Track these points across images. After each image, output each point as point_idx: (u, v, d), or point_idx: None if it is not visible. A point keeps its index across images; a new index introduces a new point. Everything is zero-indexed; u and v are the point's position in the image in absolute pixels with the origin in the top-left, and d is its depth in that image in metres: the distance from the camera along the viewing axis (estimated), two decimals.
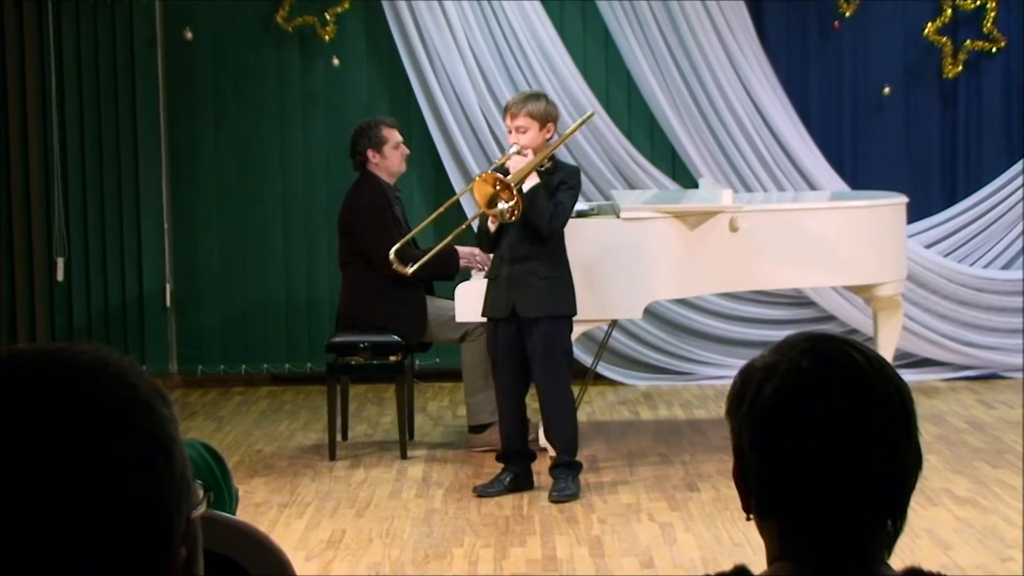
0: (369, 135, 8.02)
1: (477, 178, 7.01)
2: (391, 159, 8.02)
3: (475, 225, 7.33)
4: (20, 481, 1.28)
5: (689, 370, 9.90)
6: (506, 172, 6.95)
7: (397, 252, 7.36)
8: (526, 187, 6.91)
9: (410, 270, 7.35)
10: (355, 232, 7.94)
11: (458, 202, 8.12)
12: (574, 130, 7.63)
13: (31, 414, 1.31)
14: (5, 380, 1.34)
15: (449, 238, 7.52)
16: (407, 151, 8.15)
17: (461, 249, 8.03)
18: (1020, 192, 9.98)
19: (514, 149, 7.03)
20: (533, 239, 6.99)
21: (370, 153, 8.01)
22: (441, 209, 7.70)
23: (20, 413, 1.31)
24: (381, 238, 7.76)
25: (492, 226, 7.02)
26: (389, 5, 9.78)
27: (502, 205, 6.84)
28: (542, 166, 7.01)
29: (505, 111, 7.24)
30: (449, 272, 8.00)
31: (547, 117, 7.06)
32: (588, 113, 7.93)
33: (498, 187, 6.85)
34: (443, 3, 9.73)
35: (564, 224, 7.05)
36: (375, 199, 7.86)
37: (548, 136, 7.07)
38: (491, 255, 7.29)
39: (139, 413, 1.35)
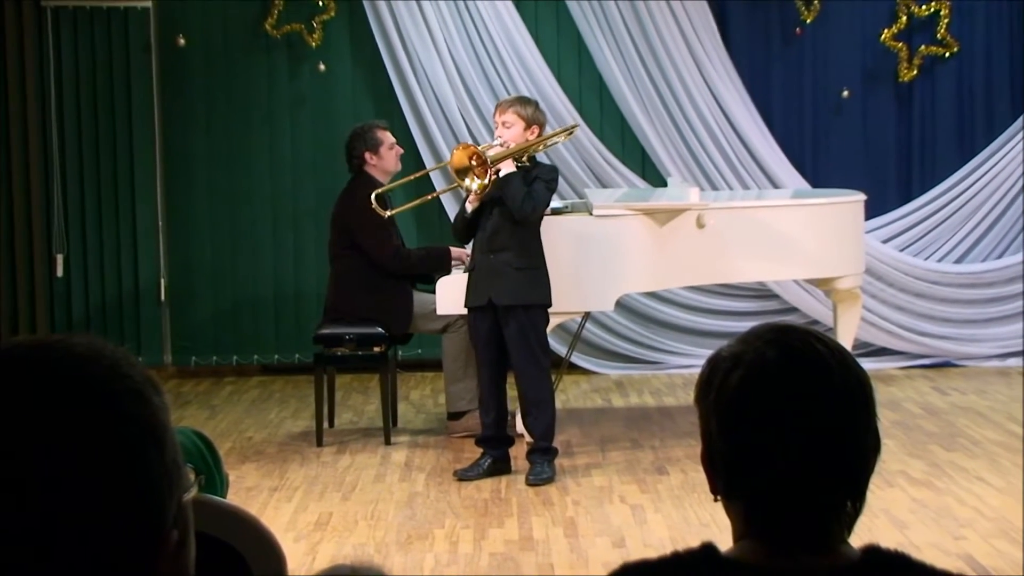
0: (365, 138, 8.03)
1: (459, 145, 7.02)
2: (387, 159, 8.04)
3: (445, 202, 7.31)
4: (15, 466, 1.28)
5: (659, 360, 9.90)
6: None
7: (377, 197, 7.38)
8: (502, 173, 6.89)
9: (387, 214, 7.45)
10: (351, 229, 7.92)
11: (438, 199, 8.16)
12: (555, 134, 7.58)
13: (27, 403, 1.30)
14: (2, 371, 1.33)
15: (416, 202, 7.77)
16: (401, 150, 8.19)
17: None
18: (972, 189, 10.00)
19: (498, 142, 7.02)
20: (509, 231, 6.96)
21: (367, 155, 8.00)
22: (419, 173, 8.13)
23: (16, 402, 1.30)
24: (376, 235, 7.79)
25: (470, 206, 6.99)
26: (373, 14, 9.76)
27: (472, 183, 6.81)
28: (520, 162, 7.00)
29: (496, 108, 7.24)
30: (442, 269, 7.94)
31: (533, 120, 7.06)
32: (572, 125, 7.94)
33: (474, 162, 6.82)
34: (423, 11, 9.71)
35: (537, 212, 6.99)
36: (369, 198, 7.86)
37: (531, 138, 7.06)
38: (470, 252, 7.29)
39: (132, 401, 1.34)
